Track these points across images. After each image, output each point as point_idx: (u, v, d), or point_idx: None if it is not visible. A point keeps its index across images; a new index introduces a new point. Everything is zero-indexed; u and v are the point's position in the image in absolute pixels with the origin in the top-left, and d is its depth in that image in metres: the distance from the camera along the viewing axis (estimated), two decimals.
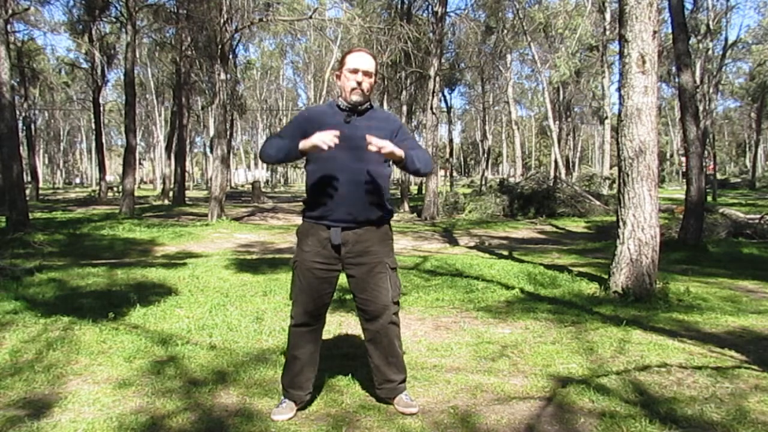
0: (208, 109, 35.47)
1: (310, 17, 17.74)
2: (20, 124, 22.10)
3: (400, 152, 2.45)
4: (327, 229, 2.56)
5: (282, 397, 2.69)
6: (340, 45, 27.55)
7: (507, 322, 4.40)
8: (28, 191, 19.35)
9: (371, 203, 2.56)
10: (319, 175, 2.56)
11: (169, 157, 29.52)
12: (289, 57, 51.36)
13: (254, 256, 8.91)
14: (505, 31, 28.31)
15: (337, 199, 2.52)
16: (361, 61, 2.56)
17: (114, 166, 59.22)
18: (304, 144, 2.44)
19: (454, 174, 54.48)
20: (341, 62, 2.63)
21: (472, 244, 11.35)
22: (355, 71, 2.55)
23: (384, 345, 2.65)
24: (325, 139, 2.36)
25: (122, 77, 22.44)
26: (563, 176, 23.90)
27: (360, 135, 2.49)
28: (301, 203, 2.72)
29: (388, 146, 2.40)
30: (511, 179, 28.36)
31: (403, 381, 2.73)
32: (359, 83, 2.55)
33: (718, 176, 34.80)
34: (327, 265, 2.58)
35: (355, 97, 2.55)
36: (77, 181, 69.61)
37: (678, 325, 4.32)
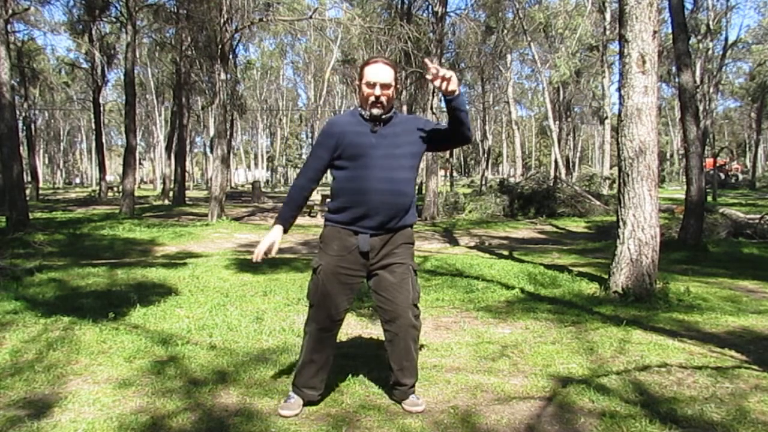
0: (208, 109, 35.45)
1: (310, 17, 17.73)
2: (20, 124, 22.08)
3: (454, 86, 2.43)
4: (354, 235, 2.57)
5: (290, 393, 2.70)
6: (340, 45, 27.55)
7: (507, 322, 4.40)
8: (28, 191, 19.35)
9: (400, 210, 2.58)
10: (350, 181, 2.55)
11: (169, 157, 29.51)
12: (289, 57, 51.46)
13: None
14: (505, 31, 28.29)
15: (367, 207, 2.52)
16: (379, 74, 2.54)
17: (114, 166, 59.21)
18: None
19: (454, 174, 54.40)
20: (360, 74, 2.61)
21: (472, 244, 11.34)
22: (372, 85, 2.53)
23: (401, 347, 2.65)
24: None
25: (122, 77, 22.46)
26: (563, 176, 23.87)
27: (388, 143, 2.55)
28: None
29: (447, 74, 2.39)
30: (511, 179, 28.32)
31: (414, 384, 2.75)
32: (377, 97, 2.53)
33: (720, 176, 34.68)
34: (352, 270, 2.59)
35: (376, 111, 2.55)
36: (77, 181, 69.56)
37: (678, 325, 4.32)
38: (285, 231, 2.63)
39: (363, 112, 2.58)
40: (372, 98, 2.53)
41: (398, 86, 2.66)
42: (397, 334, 2.63)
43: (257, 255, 2.54)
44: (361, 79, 2.58)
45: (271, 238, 2.56)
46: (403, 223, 2.62)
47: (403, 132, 2.61)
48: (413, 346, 2.67)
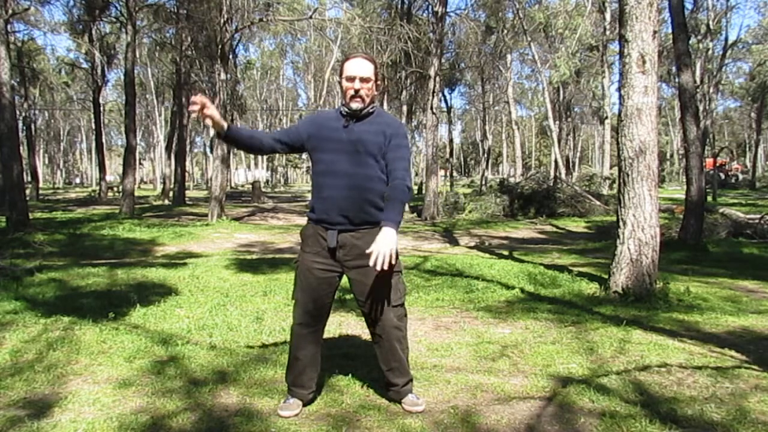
0: None
1: (310, 17, 17.76)
2: (20, 124, 22.07)
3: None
4: (325, 231, 2.58)
5: (288, 394, 2.72)
6: (340, 45, 27.53)
7: (507, 322, 4.40)
8: (28, 191, 19.35)
9: (368, 206, 2.57)
10: (319, 178, 2.60)
11: (169, 157, 29.51)
12: (289, 57, 51.38)
13: (254, 256, 8.90)
14: (505, 31, 28.30)
15: (333, 202, 2.55)
16: (358, 68, 2.56)
17: (114, 166, 59.18)
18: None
19: (454, 174, 54.41)
20: (340, 69, 2.64)
21: (472, 244, 11.34)
22: (352, 79, 2.55)
23: (386, 349, 2.66)
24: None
25: (122, 77, 22.45)
26: (563, 176, 23.87)
27: (356, 139, 2.55)
28: (301, 203, 2.74)
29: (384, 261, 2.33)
30: (511, 179, 28.32)
31: (408, 383, 2.75)
32: (357, 91, 2.55)
33: (720, 176, 34.68)
34: (326, 266, 2.60)
35: (355, 105, 2.56)
36: (77, 181, 69.53)
37: (678, 325, 4.32)
38: (228, 128, 2.55)
39: (342, 109, 2.61)
40: (351, 92, 2.55)
41: (379, 82, 2.66)
42: (381, 336, 2.65)
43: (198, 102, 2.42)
44: (341, 75, 2.61)
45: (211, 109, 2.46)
46: (373, 220, 2.57)
47: (375, 131, 2.58)
48: (398, 347, 2.67)
